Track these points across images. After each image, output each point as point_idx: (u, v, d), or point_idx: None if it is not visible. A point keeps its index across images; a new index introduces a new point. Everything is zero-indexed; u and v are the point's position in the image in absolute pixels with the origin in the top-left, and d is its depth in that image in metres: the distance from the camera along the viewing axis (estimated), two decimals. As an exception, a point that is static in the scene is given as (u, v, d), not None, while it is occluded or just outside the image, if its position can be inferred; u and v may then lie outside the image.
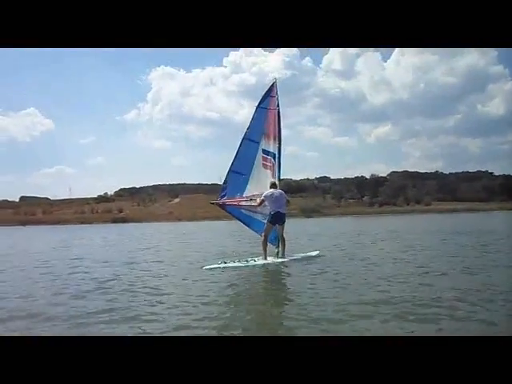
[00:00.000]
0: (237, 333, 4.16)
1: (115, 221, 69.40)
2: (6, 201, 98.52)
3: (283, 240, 9.41)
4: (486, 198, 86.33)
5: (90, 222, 67.94)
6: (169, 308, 5.35)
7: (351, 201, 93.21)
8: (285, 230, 9.42)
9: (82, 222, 67.50)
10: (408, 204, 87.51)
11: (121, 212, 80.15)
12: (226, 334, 4.13)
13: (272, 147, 9.82)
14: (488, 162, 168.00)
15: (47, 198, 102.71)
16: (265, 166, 9.80)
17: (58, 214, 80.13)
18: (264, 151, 9.78)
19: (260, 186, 9.61)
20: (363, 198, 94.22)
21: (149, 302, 5.66)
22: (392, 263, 8.90)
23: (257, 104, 9.98)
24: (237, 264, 8.84)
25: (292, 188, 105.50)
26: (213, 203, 10.12)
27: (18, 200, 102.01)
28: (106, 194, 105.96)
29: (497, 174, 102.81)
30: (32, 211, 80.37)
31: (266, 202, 9.19)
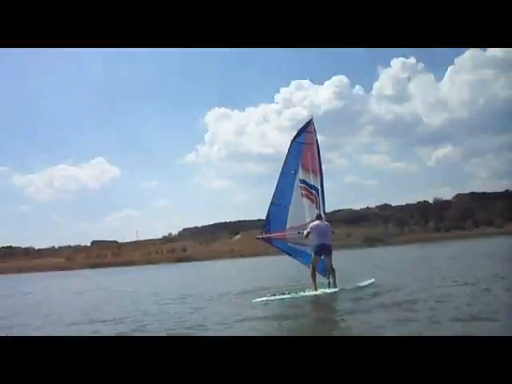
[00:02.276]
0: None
1: (179, 260, 71.28)
2: (79, 246, 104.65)
3: (333, 270, 9.42)
4: None
5: (156, 262, 70.20)
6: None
7: (415, 227, 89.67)
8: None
9: (149, 263, 69.91)
10: (477, 227, 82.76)
11: (184, 251, 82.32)
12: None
13: (312, 180, 9.96)
14: None
15: (116, 242, 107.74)
16: (304, 196, 9.94)
17: (126, 256, 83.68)
18: (302, 181, 9.94)
19: (300, 215, 9.76)
20: (428, 224, 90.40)
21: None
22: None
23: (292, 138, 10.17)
24: (286, 296, 8.95)
25: (352, 218, 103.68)
26: (258, 238, 10.21)
27: (89, 244, 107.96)
28: (170, 234, 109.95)
29: None
30: (103, 254, 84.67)
31: (312, 234, 9.29)
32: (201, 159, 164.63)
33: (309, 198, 9.94)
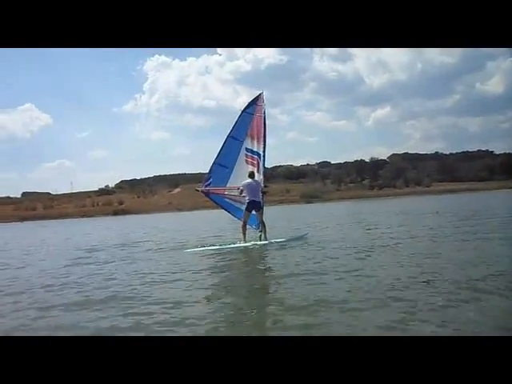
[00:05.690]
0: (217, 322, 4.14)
1: (116, 213, 69.77)
2: (8, 197, 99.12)
3: (263, 224, 9.85)
4: (487, 178, 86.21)
5: (91, 215, 68.27)
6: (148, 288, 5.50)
7: (351, 185, 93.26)
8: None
9: (83, 216, 67.82)
10: (408, 186, 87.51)
11: (121, 204, 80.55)
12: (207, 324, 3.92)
13: (256, 148, 10.58)
14: (488, 140, 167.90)
15: (49, 193, 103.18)
16: (247, 162, 10.55)
17: (59, 209, 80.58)
18: (247, 149, 10.57)
19: (242, 178, 10.17)
20: (363, 182, 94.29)
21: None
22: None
23: (244, 107, 10.68)
24: (216, 247, 9.30)
25: (293, 174, 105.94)
26: (198, 190, 10.76)
27: (19, 196, 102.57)
28: (106, 186, 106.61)
29: (497, 152, 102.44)
30: (33, 206, 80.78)
31: (244, 191, 9.74)
32: (139, 109, 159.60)
33: (252, 164, 10.55)
